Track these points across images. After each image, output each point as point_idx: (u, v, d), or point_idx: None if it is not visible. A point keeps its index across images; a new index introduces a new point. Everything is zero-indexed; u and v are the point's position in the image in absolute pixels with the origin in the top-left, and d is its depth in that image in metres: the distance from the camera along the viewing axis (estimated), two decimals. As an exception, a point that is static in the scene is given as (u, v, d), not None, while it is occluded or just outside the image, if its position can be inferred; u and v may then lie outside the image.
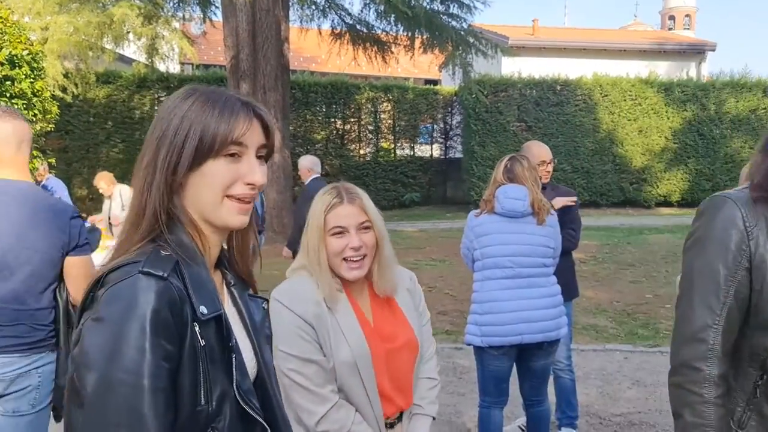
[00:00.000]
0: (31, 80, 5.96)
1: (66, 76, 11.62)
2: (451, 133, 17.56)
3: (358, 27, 12.50)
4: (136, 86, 14.83)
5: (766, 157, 1.37)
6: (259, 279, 1.27)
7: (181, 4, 12.16)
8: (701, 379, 1.33)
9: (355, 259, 1.73)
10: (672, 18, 38.04)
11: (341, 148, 16.36)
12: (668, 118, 15.90)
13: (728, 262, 1.33)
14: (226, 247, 1.16)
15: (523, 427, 3.71)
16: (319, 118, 16.05)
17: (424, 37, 11.63)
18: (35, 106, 6.07)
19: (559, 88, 15.73)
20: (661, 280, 7.93)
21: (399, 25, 11.55)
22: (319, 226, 1.74)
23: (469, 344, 3.09)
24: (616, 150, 15.81)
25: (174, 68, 16.35)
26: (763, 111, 16.08)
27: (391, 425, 1.81)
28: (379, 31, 12.47)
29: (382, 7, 11.39)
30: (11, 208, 2.21)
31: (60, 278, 2.32)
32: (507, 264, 2.99)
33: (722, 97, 16.00)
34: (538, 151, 3.74)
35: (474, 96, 15.13)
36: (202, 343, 0.96)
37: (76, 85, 12.16)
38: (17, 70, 5.78)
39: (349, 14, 12.49)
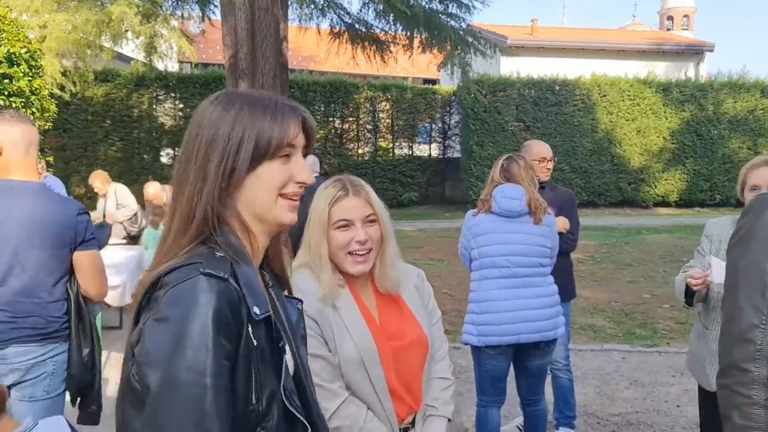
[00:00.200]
0: (29, 78, 5.95)
1: (64, 74, 11.60)
2: (449, 132, 17.56)
3: (356, 26, 12.48)
4: (135, 85, 14.80)
5: None
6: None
7: (179, 3, 12.13)
8: (749, 381, 1.29)
9: (360, 253, 1.67)
10: (670, 18, 38.08)
11: (340, 147, 16.35)
12: (666, 119, 15.92)
13: None
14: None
15: (521, 427, 3.72)
16: (318, 117, 16.03)
17: (423, 36, 11.61)
18: (33, 104, 6.06)
19: (557, 88, 15.74)
20: (659, 280, 7.95)
21: (398, 25, 11.54)
22: (323, 220, 1.68)
23: (466, 344, 3.09)
24: (615, 150, 15.82)
25: (172, 67, 16.31)
26: (761, 111, 16.11)
27: (405, 430, 1.75)
28: (377, 31, 12.45)
29: (380, 7, 11.38)
30: (21, 207, 2.32)
31: (70, 272, 2.43)
32: (504, 264, 2.99)
33: (720, 98, 16.02)
34: (538, 148, 3.74)
35: (472, 96, 15.12)
36: (255, 343, 0.99)
37: (74, 83, 12.13)
38: (15, 68, 5.77)
39: (348, 13, 12.48)
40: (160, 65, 13.65)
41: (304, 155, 1.12)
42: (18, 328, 2.28)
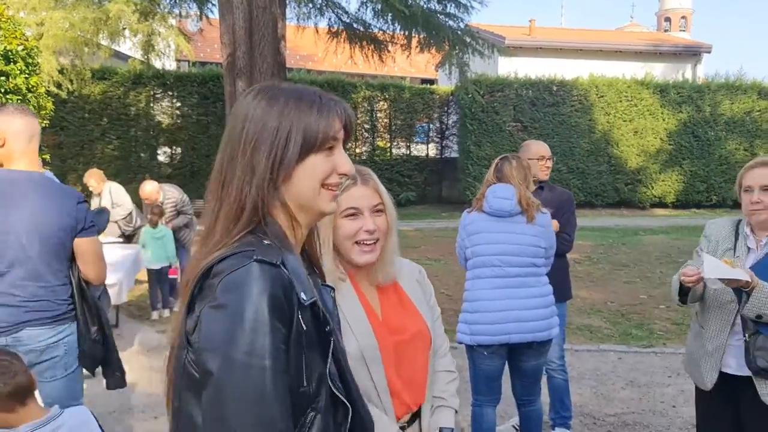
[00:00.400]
0: (26, 76, 5.94)
1: (61, 72, 11.56)
2: (447, 132, 17.56)
3: (354, 25, 12.47)
4: (132, 83, 14.76)
5: None
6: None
7: (177, 1, 12.11)
8: None
9: (368, 242, 1.63)
10: (668, 19, 38.14)
11: (337, 146, 16.32)
12: (663, 120, 15.94)
13: None
14: None
15: (517, 427, 3.71)
16: (315, 116, 16.00)
17: (421, 36, 11.61)
18: (30, 101, 6.05)
19: (555, 88, 15.75)
20: (656, 281, 7.96)
21: (396, 24, 11.52)
22: None
23: (460, 343, 3.09)
24: (612, 151, 15.84)
25: (170, 65, 16.28)
26: (757, 113, 16.15)
27: (401, 429, 1.71)
28: (375, 30, 12.44)
29: (379, 6, 11.37)
30: (25, 196, 2.43)
31: (71, 257, 2.56)
32: (496, 263, 2.99)
33: (717, 99, 16.06)
34: (537, 148, 3.75)
35: (470, 96, 15.13)
36: (304, 328, 1.02)
37: (71, 81, 12.11)
38: (12, 65, 5.76)
39: (346, 13, 12.47)
40: (157, 63, 13.63)
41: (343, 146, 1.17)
42: (30, 311, 2.41)
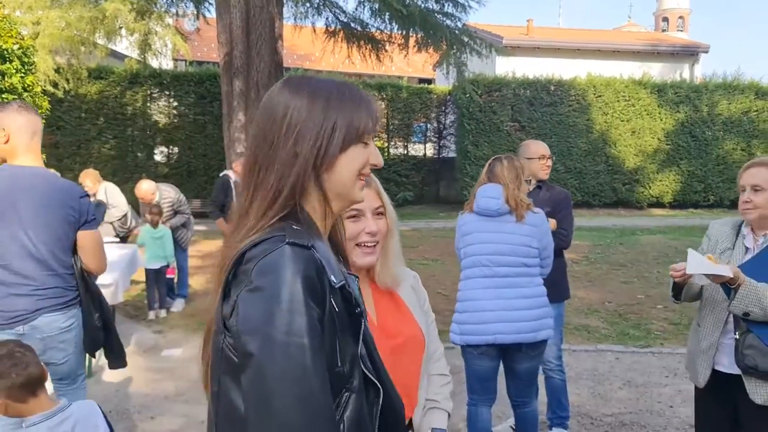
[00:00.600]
0: (22, 75, 5.91)
1: (57, 71, 11.52)
2: (444, 132, 17.55)
3: (352, 25, 12.46)
4: (129, 82, 14.72)
5: None
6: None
7: (174, 0, 12.08)
8: None
9: (369, 244, 1.64)
10: (666, 20, 38.21)
11: (335, 146, 16.31)
12: (661, 120, 15.96)
13: None
14: None
15: (514, 427, 3.71)
16: (313, 116, 15.99)
17: (419, 35, 11.60)
18: (26, 101, 6.02)
19: (552, 88, 15.75)
20: (653, 281, 7.96)
21: (393, 24, 11.51)
22: None
23: (452, 342, 3.09)
24: (609, 151, 15.85)
25: (167, 64, 16.24)
26: (755, 113, 16.17)
27: None
28: (373, 30, 12.42)
29: (376, 5, 11.35)
30: (31, 190, 2.55)
31: (74, 249, 2.69)
32: (485, 263, 2.99)
33: (715, 99, 16.08)
34: (536, 147, 3.75)
35: (468, 95, 15.13)
36: (336, 309, 1.05)
37: (67, 80, 12.07)
38: (8, 64, 5.74)
39: (344, 12, 12.45)
40: (154, 63, 13.60)
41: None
42: (44, 298, 2.56)
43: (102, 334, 2.82)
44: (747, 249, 2.48)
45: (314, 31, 12.77)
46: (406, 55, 12.38)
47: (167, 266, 6.42)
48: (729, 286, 2.33)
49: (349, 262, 1.59)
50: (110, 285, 5.02)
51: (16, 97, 5.82)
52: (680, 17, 38.07)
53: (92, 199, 6.90)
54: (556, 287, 3.42)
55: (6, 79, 5.71)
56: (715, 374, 2.47)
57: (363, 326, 1.14)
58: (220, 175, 6.29)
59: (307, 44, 16.02)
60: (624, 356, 5.28)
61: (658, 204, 16.35)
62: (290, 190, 1.09)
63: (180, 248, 6.72)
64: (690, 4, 38.28)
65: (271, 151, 1.11)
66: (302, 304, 0.97)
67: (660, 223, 13.91)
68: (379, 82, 16.87)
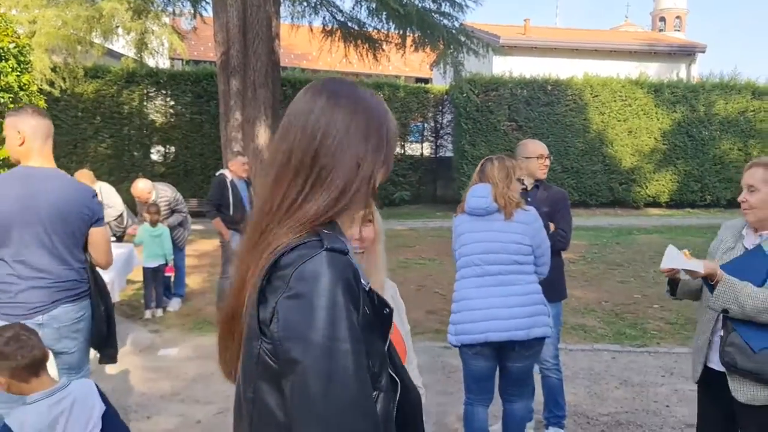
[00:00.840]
0: (18, 74, 5.89)
1: (54, 70, 11.50)
2: (441, 131, 17.55)
3: (349, 24, 12.45)
4: (125, 81, 14.68)
5: None
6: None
7: (171, -1, 12.06)
8: None
9: (356, 251, 1.65)
10: (663, 19, 38.26)
11: (332, 145, 16.29)
12: (658, 119, 15.98)
13: None
14: None
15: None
16: (310, 115, 15.95)
17: (416, 35, 11.61)
18: (22, 100, 5.99)
19: (549, 87, 15.76)
20: (650, 281, 7.97)
21: (390, 23, 11.52)
22: None
23: (449, 343, 3.10)
24: (606, 150, 15.87)
25: (163, 63, 16.22)
26: (751, 113, 16.21)
27: None
28: (370, 29, 12.42)
29: (373, 5, 11.36)
30: (48, 191, 2.72)
31: (85, 244, 2.87)
32: (476, 262, 3.01)
33: (711, 99, 16.11)
34: (534, 146, 3.75)
35: (465, 95, 15.13)
36: (367, 311, 1.07)
37: (64, 79, 12.05)
38: (3, 63, 5.71)
39: (341, 11, 12.45)
40: (151, 62, 13.57)
41: None
42: (61, 290, 2.73)
43: (106, 327, 2.97)
44: (746, 249, 2.49)
45: (311, 30, 12.77)
46: (403, 55, 12.39)
47: (165, 265, 6.41)
48: (710, 283, 2.37)
49: None
50: (107, 284, 5.01)
51: (12, 96, 5.80)
52: (677, 17, 38.12)
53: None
54: (553, 287, 3.42)
55: (2, 77, 5.69)
56: (709, 371, 2.49)
57: (391, 326, 1.17)
58: (217, 174, 6.28)
59: (304, 43, 16.00)
60: (620, 356, 5.28)
61: (655, 204, 16.38)
62: (352, 195, 1.11)
63: (177, 247, 6.71)
64: (687, 4, 38.34)
65: (337, 156, 1.11)
66: (343, 310, 0.99)
67: (656, 223, 13.94)
68: (376, 81, 16.86)
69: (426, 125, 17.42)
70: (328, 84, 1.18)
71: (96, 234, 2.87)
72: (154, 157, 15.43)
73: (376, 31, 12.40)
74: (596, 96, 15.83)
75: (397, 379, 1.16)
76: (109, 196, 6.59)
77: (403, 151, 16.89)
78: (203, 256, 9.23)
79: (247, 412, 1.09)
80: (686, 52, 21.04)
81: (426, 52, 12.54)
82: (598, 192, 15.98)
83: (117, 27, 11.23)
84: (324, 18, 12.46)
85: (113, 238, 6.64)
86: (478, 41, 12.18)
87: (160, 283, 6.47)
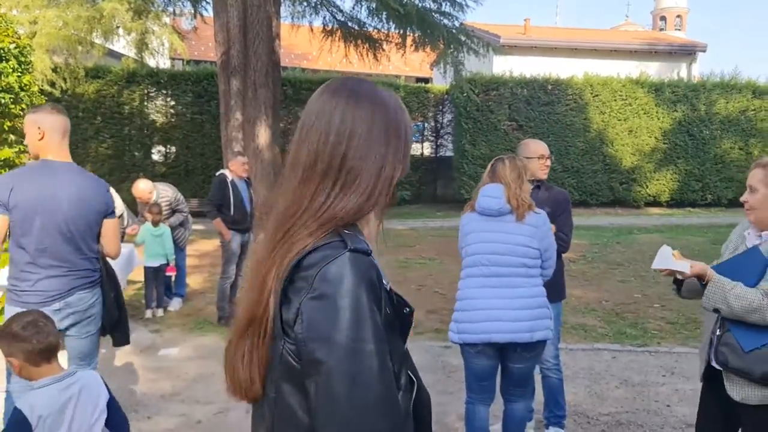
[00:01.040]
0: (19, 74, 5.90)
1: (55, 70, 11.51)
2: (442, 131, 17.56)
3: (349, 24, 12.45)
4: (126, 81, 14.70)
5: None
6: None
7: (171, -1, 12.06)
8: None
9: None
10: (663, 19, 38.24)
11: (332, 145, 16.29)
12: (658, 119, 15.98)
13: None
14: None
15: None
16: (311, 115, 15.95)
17: (416, 34, 11.61)
18: (23, 100, 6.01)
19: (550, 87, 15.76)
20: (650, 280, 7.97)
21: (391, 23, 11.52)
22: None
23: (451, 341, 3.10)
24: (606, 150, 15.87)
25: (164, 63, 16.23)
26: (752, 112, 16.20)
27: None
28: (370, 29, 12.42)
29: (373, 5, 11.36)
30: (69, 184, 2.89)
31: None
32: (483, 262, 3.00)
33: (712, 98, 16.11)
34: (535, 146, 3.74)
35: (465, 94, 15.13)
36: (388, 311, 1.07)
37: (64, 79, 12.06)
38: (4, 63, 5.72)
39: (341, 11, 12.45)
40: (151, 62, 13.57)
41: None
42: (77, 278, 2.90)
43: (117, 312, 3.15)
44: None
45: (311, 30, 12.77)
46: (403, 54, 12.39)
47: (167, 264, 6.42)
48: (702, 283, 2.40)
49: None
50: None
51: (13, 96, 5.81)
52: (678, 16, 38.10)
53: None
54: (554, 287, 3.42)
55: (3, 78, 5.69)
56: (711, 369, 2.50)
57: (411, 326, 1.17)
58: (217, 174, 6.28)
59: (304, 43, 16.00)
60: (621, 355, 5.28)
61: (656, 203, 16.38)
62: (377, 197, 1.11)
63: (178, 247, 6.71)
64: (688, 3, 38.32)
65: (364, 156, 1.10)
66: (367, 310, 0.99)
67: (657, 222, 13.94)
68: (376, 81, 16.73)
69: (426, 125, 17.43)
70: (348, 83, 1.17)
71: (108, 225, 3.06)
72: (155, 157, 15.44)
73: (376, 30, 12.40)
74: (597, 95, 15.83)
75: (414, 378, 1.17)
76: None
77: (403, 151, 16.87)
78: (204, 256, 9.24)
79: (269, 412, 1.09)
80: (687, 52, 21.04)
81: (426, 52, 12.54)
82: (599, 191, 15.97)
83: (117, 27, 11.24)
84: (324, 18, 12.47)
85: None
86: (478, 41, 12.18)
87: (161, 283, 6.47)
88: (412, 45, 12.02)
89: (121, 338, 3.28)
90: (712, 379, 2.51)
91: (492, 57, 14.75)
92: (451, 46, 11.61)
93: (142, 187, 6.40)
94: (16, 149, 5.98)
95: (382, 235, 1.21)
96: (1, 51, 5.69)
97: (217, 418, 4.00)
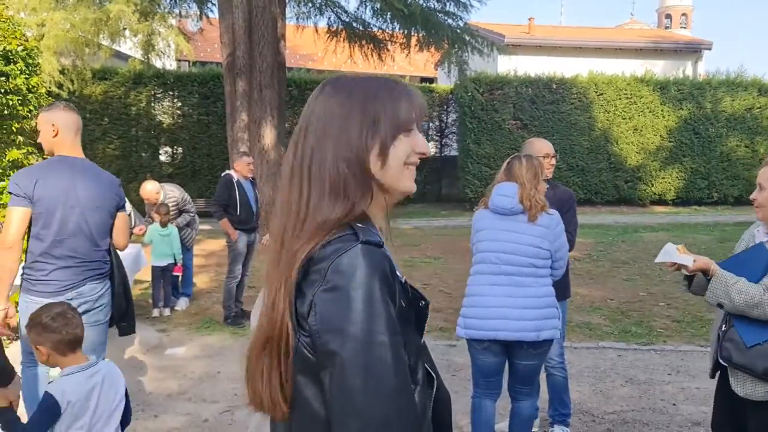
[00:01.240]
0: (26, 76, 5.93)
1: (62, 72, 11.58)
2: (446, 131, 17.56)
3: (354, 25, 12.49)
4: (133, 83, 14.79)
5: None
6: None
7: (177, 1, 12.14)
8: None
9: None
10: (669, 17, 38.12)
11: (337, 145, 16.33)
12: (664, 117, 15.93)
13: None
14: None
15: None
16: (316, 115, 16.01)
17: (420, 35, 11.63)
18: (30, 102, 6.04)
19: (554, 86, 15.74)
20: (655, 278, 7.96)
21: (395, 23, 11.55)
22: None
23: (457, 336, 3.14)
24: (611, 148, 15.84)
25: (170, 65, 16.30)
26: (758, 110, 16.14)
27: None
28: (375, 29, 12.46)
29: (378, 5, 11.39)
30: (85, 177, 3.01)
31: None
32: (493, 260, 3.01)
33: (718, 96, 16.05)
34: (540, 145, 3.74)
35: (470, 94, 15.13)
36: (403, 304, 1.07)
37: (72, 81, 12.13)
38: (12, 65, 5.75)
39: (346, 12, 12.49)
40: (157, 63, 13.66)
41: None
42: (89, 269, 3.01)
43: (124, 302, 3.26)
44: None
45: (316, 31, 12.82)
46: (407, 54, 12.41)
47: (174, 264, 6.46)
48: (707, 278, 2.43)
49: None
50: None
51: (20, 98, 5.85)
52: (683, 14, 37.98)
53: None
54: (559, 286, 3.42)
55: (10, 80, 5.73)
56: (720, 365, 2.52)
57: (426, 319, 1.17)
58: (222, 175, 6.32)
59: (309, 44, 16.05)
60: (626, 353, 5.28)
61: (661, 201, 16.33)
62: (344, 185, 1.09)
63: (185, 247, 6.75)
64: (693, 1, 38.20)
65: (325, 149, 1.11)
66: (380, 302, 0.99)
67: (662, 221, 13.90)
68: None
69: (431, 124, 17.44)
70: (329, 80, 1.18)
71: (120, 218, 3.19)
72: (162, 157, 15.52)
73: (380, 31, 12.43)
74: (601, 94, 15.80)
75: (433, 374, 1.16)
76: None
77: (408, 151, 16.88)
78: (210, 256, 9.28)
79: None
80: (692, 50, 20.96)
81: (431, 52, 12.56)
82: (604, 190, 15.94)
83: (124, 29, 11.32)
84: (329, 18, 12.51)
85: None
86: (482, 40, 12.19)
87: (168, 283, 6.52)
88: (416, 45, 12.05)
89: (128, 328, 3.37)
90: (722, 376, 2.52)
91: (496, 56, 14.76)
92: (456, 46, 11.63)
93: (150, 188, 6.45)
94: (25, 150, 6.01)
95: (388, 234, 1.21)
96: (9, 53, 5.72)
97: (223, 417, 4.03)
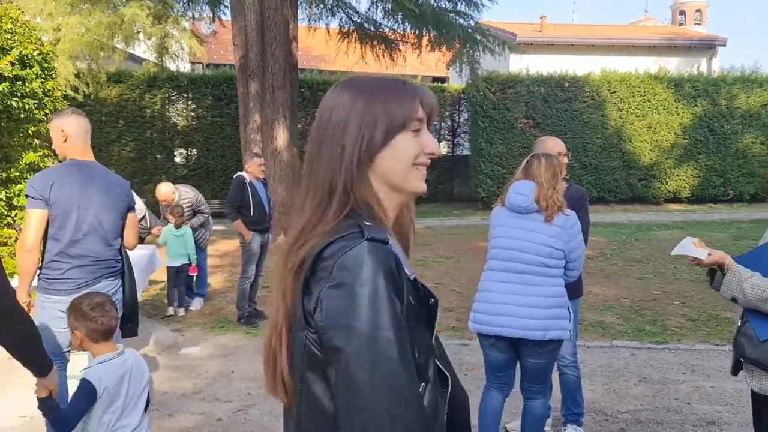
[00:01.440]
0: (42, 80, 6.01)
1: (78, 76, 11.71)
2: (458, 130, 17.55)
3: (365, 25, 12.52)
4: (147, 85, 14.94)
5: None
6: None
7: (190, 4, 12.24)
8: None
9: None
10: (683, 13, 37.77)
11: (350, 145, 16.37)
12: (678, 114, 15.81)
13: None
14: None
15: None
16: (328, 116, 16.07)
17: (432, 34, 11.63)
18: (46, 105, 6.12)
19: (567, 84, 15.67)
20: (670, 277, 7.91)
21: (406, 23, 11.56)
22: None
23: (470, 328, 3.17)
24: (625, 146, 15.74)
25: (184, 67, 16.43)
26: (774, 106, 15.97)
27: None
28: (386, 30, 12.48)
29: (389, 6, 11.41)
30: (99, 180, 3.14)
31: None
32: (505, 257, 3.03)
33: (733, 93, 15.90)
34: (552, 144, 3.73)
35: (482, 93, 15.11)
36: (412, 302, 1.07)
37: (87, 84, 12.26)
38: (28, 70, 5.83)
39: (357, 13, 12.52)
40: (171, 66, 13.77)
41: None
42: (102, 268, 3.13)
43: (133, 301, 3.34)
44: None
45: (328, 32, 12.86)
46: (419, 55, 12.42)
47: (189, 264, 6.52)
48: (723, 273, 2.44)
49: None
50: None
51: (36, 102, 5.93)
52: (697, 10, 37.60)
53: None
54: (572, 284, 3.42)
55: (27, 84, 5.81)
56: (740, 361, 2.52)
57: (437, 317, 1.17)
58: (235, 176, 6.37)
59: (321, 45, 16.10)
60: (640, 353, 5.26)
61: (676, 199, 16.20)
62: (343, 185, 1.10)
63: (199, 248, 6.82)
64: (707, -3, 37.81)
65: (321, 149, 1.13)
66: (386, 298, 0.99)
67: (677, 219, 13.79)
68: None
69: (443, 124, 17.43)
70: (341, 80, 1.20)
71: (130, 219, 3.31)
72: (177, 159, 15.67)
73: (392, 31, 12.45)
74: (614, 92, 15.71)
75: (447, 373, 1.16)
76: None
77: (420, 150, 16.90)
78: (224, 256, 9.35)
79: (295, 402, 1.10)
80: (707, 46, 20.76)
81: (442, 52, 12.56)
82: (617, 188, 15.85)
83: (138, 32, 11.43)
84: (340, 20, 12.55)
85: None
86: (494, 39, 12.17)
87: (183, 283, 6.58)
88: (428, 45, 12.05)
89: (131, 330, 3.42)
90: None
91: (508, 55, 14.74)
92: (467, 45, 11.62)
93: (164, 190, 6.52)
94: (41, 153, 6.09)
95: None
96: (25, 58, 5.80)
97: (237, 416, 4.07)
